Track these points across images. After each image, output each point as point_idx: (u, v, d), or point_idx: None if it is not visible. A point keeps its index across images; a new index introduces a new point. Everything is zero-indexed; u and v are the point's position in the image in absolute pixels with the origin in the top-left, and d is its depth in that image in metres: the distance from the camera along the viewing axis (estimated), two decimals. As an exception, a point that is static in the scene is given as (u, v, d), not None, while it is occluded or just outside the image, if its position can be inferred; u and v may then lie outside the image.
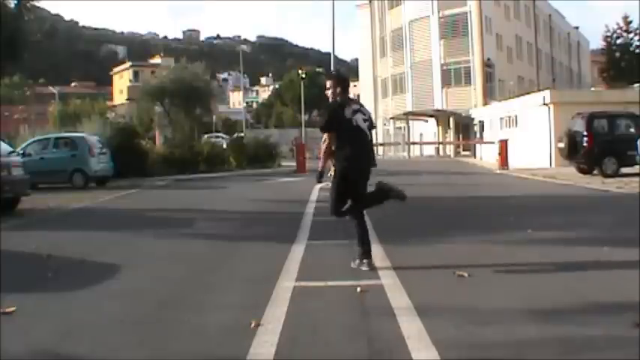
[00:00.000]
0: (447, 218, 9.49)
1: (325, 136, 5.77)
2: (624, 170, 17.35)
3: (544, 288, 4.80)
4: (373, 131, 5.90)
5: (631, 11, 64.61)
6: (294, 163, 25.71)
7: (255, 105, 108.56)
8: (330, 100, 5.85)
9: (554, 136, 23.03)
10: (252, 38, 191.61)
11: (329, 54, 19.85)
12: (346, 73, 6.50)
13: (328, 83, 5.90)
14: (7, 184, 10.65)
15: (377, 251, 6.27)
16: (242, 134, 38.05)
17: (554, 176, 17.96)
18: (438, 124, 47.32)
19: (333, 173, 5.70)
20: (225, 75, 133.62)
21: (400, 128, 52.06)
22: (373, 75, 57.57)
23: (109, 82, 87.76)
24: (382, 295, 4.57)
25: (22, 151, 16.43)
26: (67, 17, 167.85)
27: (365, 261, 5.51)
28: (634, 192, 12.45)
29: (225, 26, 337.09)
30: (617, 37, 50.88)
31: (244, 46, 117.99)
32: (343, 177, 5.56)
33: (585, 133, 17.96)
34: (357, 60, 70.78)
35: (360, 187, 5.66)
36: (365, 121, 5.66)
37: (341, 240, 6.89)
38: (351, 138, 5.57)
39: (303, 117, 54.32)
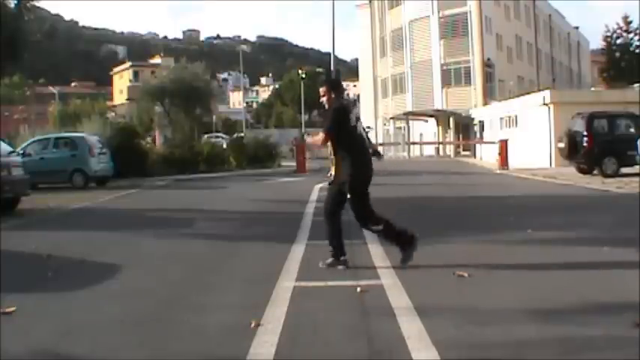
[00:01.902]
0: (447, 218, 9.49)
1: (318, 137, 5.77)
2: (624, 170, 17.34)
3: (544, 288, 4.80)
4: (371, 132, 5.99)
5: (631, 11, 64.73)
6: (294, 163, 25.71)
7: (255, 105, 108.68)
8: (327, 106, 5.76)
9: (554, 136, 23.02)
10: (252, 38, 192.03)
11: (329, 54, 19.85)
12: (337, 76, 6.45)
13: (321, 90, 5.77)
14: (7, 184, 10.65)
15: (377, 251, 6.28)
16: (242, 134, 38.04)
17: (554, 176, 17.96)
18: (438, 124, 47.32)
19: (333, 173, 5.68)
20: (225, 75, 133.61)
21: (400, 128, 52.07)
22: (373, 75, 57.57)
23: (109, 82, 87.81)
24: (382, 295, 4.57)
25: (22, 151, 16.42)
26: (67, 17, 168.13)
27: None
28: (634, 192, 12.45)
29: (225, 26, 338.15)
30: (617, 37, 50.88)
31: (244, 46, 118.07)
32: (352, 188, 5.48)
33: (585, 133, 17.95)
34: (357, 60, 70.80)
35: (367, 198, 5.64)
36: (363, 129, 5.78)
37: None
38: (356, 146, 5.57)
39: (303, 117, 54.36)
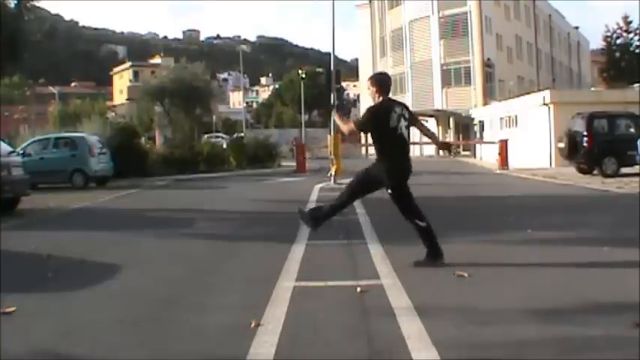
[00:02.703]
0: (446, 218, 9.45)
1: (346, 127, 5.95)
2: (624, 170, 17.34)
3: (544, 288, 4.80)
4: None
5: (631, 11, 64.71)
6: (294, 163, 25.70)
7: (255, 105, 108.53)
8: (373, 101, 5.72)
9: (554, 136, 23.02)
10: (252, 38, 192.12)
11: (329, 54, 19.79)
12: (385, 73, 6.32)
13: (367, 83, 5.81)
14: (7, 184, 10.65)
15: (377, 251, 6.28)
16: (242, 134, 38.05)
17: (554, 176, 17.96)
18: (438, 124, 47.29)
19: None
20: (225, 75, 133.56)
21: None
22: (373, 75, 57.47)
23: (109, 82, 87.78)
24: (382, 295, 4.56)
25: (22, 151, 16.42)
26: (67, 17, 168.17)
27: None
28: (634, 192, 12.45)
29: (225, 26, 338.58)
30: (617, 37, 50.86)
31: (244, 46, 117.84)
32: (391, 187, 5.61)
33: (585, 133, 17.95)
34: (357, 60, 70.74)
35: (406, 193, 5.72)
36: (407, 127, 5.63)
37: (341, 240, 6.91)
38: (394, 146, 5.57)
39: (303, 117, 54.31)
